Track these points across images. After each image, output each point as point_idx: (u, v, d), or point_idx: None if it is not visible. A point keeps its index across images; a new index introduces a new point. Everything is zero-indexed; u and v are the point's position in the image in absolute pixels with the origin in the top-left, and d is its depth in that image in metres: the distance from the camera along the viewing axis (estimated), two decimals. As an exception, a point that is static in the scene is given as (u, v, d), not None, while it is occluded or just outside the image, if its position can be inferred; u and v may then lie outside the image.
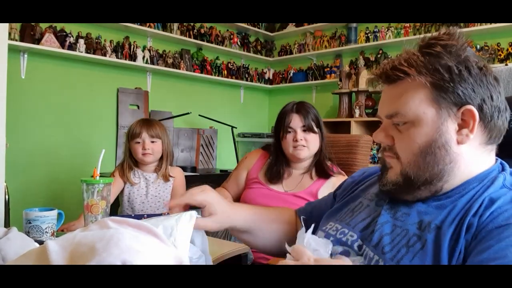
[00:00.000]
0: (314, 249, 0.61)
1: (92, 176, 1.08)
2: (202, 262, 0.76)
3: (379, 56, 3.58)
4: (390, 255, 0.65)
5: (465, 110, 0.66)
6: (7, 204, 1.57)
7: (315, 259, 0.56)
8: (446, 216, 0.65)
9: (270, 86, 4.34)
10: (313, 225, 0.67)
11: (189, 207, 0.85)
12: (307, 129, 1.59)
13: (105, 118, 3.15)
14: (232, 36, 3.97)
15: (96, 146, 3.04)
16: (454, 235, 0.61)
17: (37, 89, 2.79)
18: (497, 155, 0.73)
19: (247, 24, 4.05)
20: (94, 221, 0.88)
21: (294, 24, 4.15)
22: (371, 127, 3.41)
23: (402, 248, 0.65)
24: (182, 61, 3.56)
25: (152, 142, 1.74)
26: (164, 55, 3.46)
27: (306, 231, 0.65)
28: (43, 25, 2.78)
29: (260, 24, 4.29)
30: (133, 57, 3.22)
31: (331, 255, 0.69)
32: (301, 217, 0.84)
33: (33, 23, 2.69)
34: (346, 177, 1.39)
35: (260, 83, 4.29)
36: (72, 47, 2.87)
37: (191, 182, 1.56)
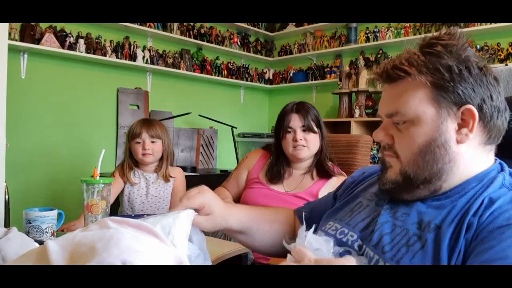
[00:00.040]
0: (315, 248, 0.61)
1: (92, 176, 1.09)
2: (200, 259, 0.76)
3: (379, 56, 3.58)
4: (390, 254, 0.65)
5: (465, 110, 0.66)
6: (7, 204, 1.58)
7: (315, 259, 0.56)
8: (446, 216, 0.65)
9: (270, 86, 4.34)
10: (314, 226, 0.67)
11: None
12: (307, 129, 1.59)
13: (105, 118, 3.15)
14: (232, 36, 3.97)
15: (96, 146, 3.04)
16: (454, 234, 0.61)
17: (37, 89, 2.79)
18: (497, 155, 0.73)
19: (247, 24, 4.05)
20: (94, 221, 0.88)
21: (294, 24, 4.15)
22: (371, 127, 3.41)
23: (402, 248, 0.65)
24: (182, 61, 3.56)
25: (152, 142, 1.74)
26: (164, 55, 3.46)
27: (306, 229, 0.64)
28: (43, 25, 2.78)
29: (260, 24, 4.29)
30: (133, 57, 3.22)
31: (339, 254, 0.69)
32: (303, 214, 0.83)
33: (33, 23, 2.69)
34: (346, 177, 1.39)
35: (260, 83, 4.29)
36: (72, 47, 2.87)
37: (191, 182, 1.55)
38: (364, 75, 3.47)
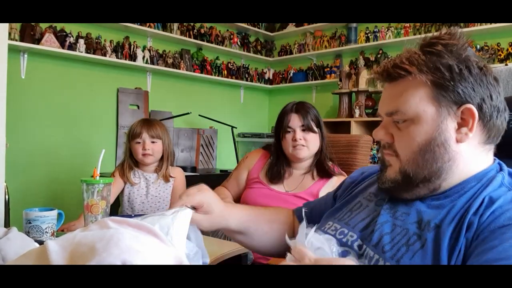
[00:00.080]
0: (317, 247, 0.60)
1: (92, 176, 1.09)
2: (198, 257, 0.76)
3: (379, 56, 3.58)
4: (390, 253, 0.65)
5: (465, 109, 0.66)
6: (7, 204, 1.57)
7: (315, 259, 0.56)
8: (446, 215, 0.65)
9: (270, 86, 4.34)
10: (315, 226, 0.67)
11: None
12: (306, 128, 1.59)
13: (105, 118, 3.15)
14: (232, 36, 3.97)
15: (96, 146, 3.04)
16: (454, 234, 0.62)
17: (37, 89, 2.79)
18: (496, 155, 0.73)
19: (247, 24, 4.05)
20: (94, 221, 0.88)
21: (294, 24, 4.15)
22: (371, 127, 3.41)
23: (402, 247, 0.65)
24: (182, 61, 3.56)
25: (153, 142, 1.74)
26: (164, 55, 3.46)
27: (307, 226, 0.64)
28: (43, 25, 2.78)
29: (260, 24, 4.29)
30: (133, 57, 3.22)
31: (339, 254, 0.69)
32: (303, 210, 0.83)
33: (33, 23, 2.69)
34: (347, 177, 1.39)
35: (260, 83, 4.29)
36: (72, 47, 2.87)
37: (191, 182, 1.55)
38: (364, 75, 3.47)
